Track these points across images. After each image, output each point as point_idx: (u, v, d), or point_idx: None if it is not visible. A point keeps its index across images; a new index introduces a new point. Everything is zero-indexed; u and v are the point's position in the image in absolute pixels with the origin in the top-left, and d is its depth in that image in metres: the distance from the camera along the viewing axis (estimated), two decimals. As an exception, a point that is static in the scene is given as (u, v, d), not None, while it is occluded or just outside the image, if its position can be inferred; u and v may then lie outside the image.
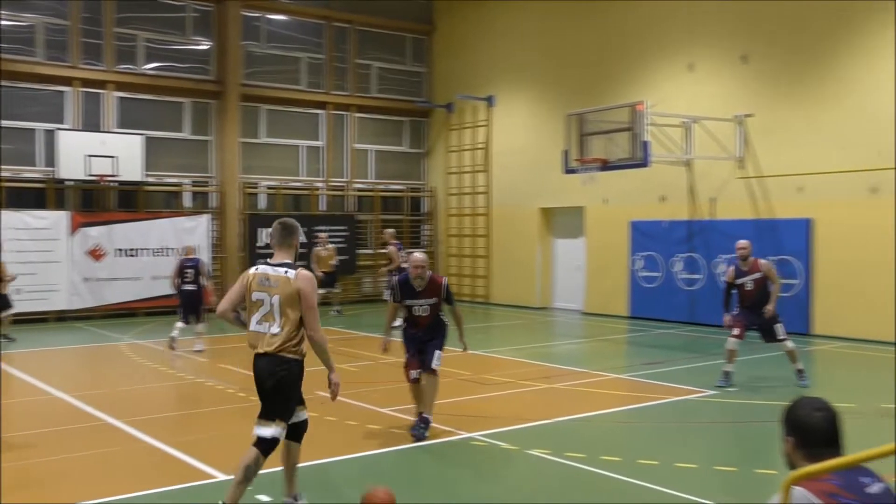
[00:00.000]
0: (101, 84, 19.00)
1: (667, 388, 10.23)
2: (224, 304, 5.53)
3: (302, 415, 5.60)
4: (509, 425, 8.30)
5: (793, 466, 3.02)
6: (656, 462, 6.92)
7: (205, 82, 20.34)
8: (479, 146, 22.31)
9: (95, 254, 18.27)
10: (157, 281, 18.31)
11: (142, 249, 18.68)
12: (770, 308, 10.06)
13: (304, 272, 5.38)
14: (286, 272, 5.33)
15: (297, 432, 5.58)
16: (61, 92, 18.61)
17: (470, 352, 8.43)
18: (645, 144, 14.72)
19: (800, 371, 10.26)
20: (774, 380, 10.74)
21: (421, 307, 7.76)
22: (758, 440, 7.85)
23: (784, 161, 15.51)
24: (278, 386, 5.32)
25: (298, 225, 5.72)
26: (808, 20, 15.16)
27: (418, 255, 7.82)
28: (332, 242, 19.68)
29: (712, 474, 6.65)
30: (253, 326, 5.39)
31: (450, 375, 11.11)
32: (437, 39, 23.74)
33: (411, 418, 8.05)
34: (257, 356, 5.39)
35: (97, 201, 19.00)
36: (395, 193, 23.63)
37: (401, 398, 8.71)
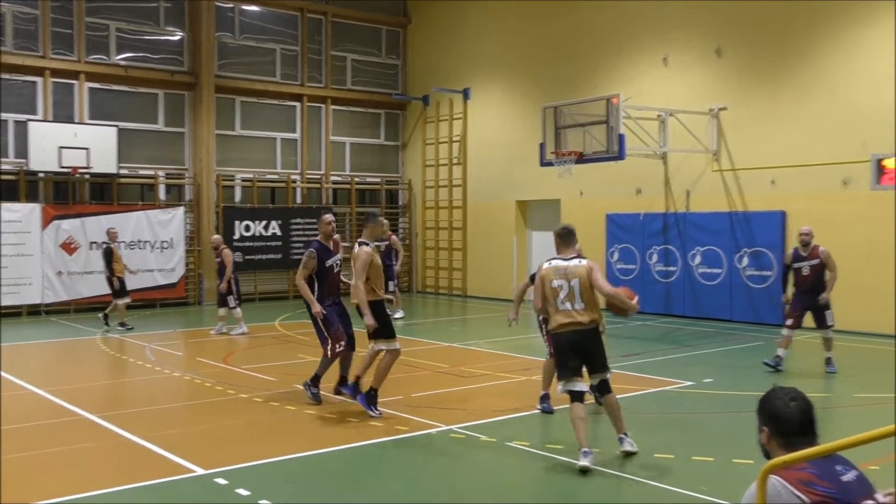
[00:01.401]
0: (73, 74, 18.75)
1: (644, 380, 10.32)
2: (537, 303, 7.07)
3: (606, 375, 6.92)
4: (488, 417, 8.34)
5: (768, 456, 3.06)
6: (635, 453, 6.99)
7: (179, 73, 20.14)
8: (456, 139, 22.31)
9: (68, 247, 18.07)
10: (132, 274, 18.07)
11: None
12: (825, 295, 10.53)
13: (589, 260, 7.03)
14: (579, 261, 6.91)
15: (605, 388, 6.90)
16: (32, 82, 18.35)
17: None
18: (620, 137, 14.79)
19: (828, 359, 10.74)
20: (751, 370, 10.87)
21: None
22: (735, 430, 7.94)
23: (757, 154, 15.66)
24: (583, 349, 6.74)
25: (575, 228, 7.30)
26: (781, 13, 15.30)
27: None
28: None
29: (690, 464, 6.72)
30: (559, 307, 6.78)
31: (427, 368, 11.15)
32: (412, 32, 23.67)
33: (394, 412, 8.11)
34: (564, 327, 6.75)
35: (70, 194, 18.79)
36: (372, 186, 23.56)
37: (385, 392, 8.70)
